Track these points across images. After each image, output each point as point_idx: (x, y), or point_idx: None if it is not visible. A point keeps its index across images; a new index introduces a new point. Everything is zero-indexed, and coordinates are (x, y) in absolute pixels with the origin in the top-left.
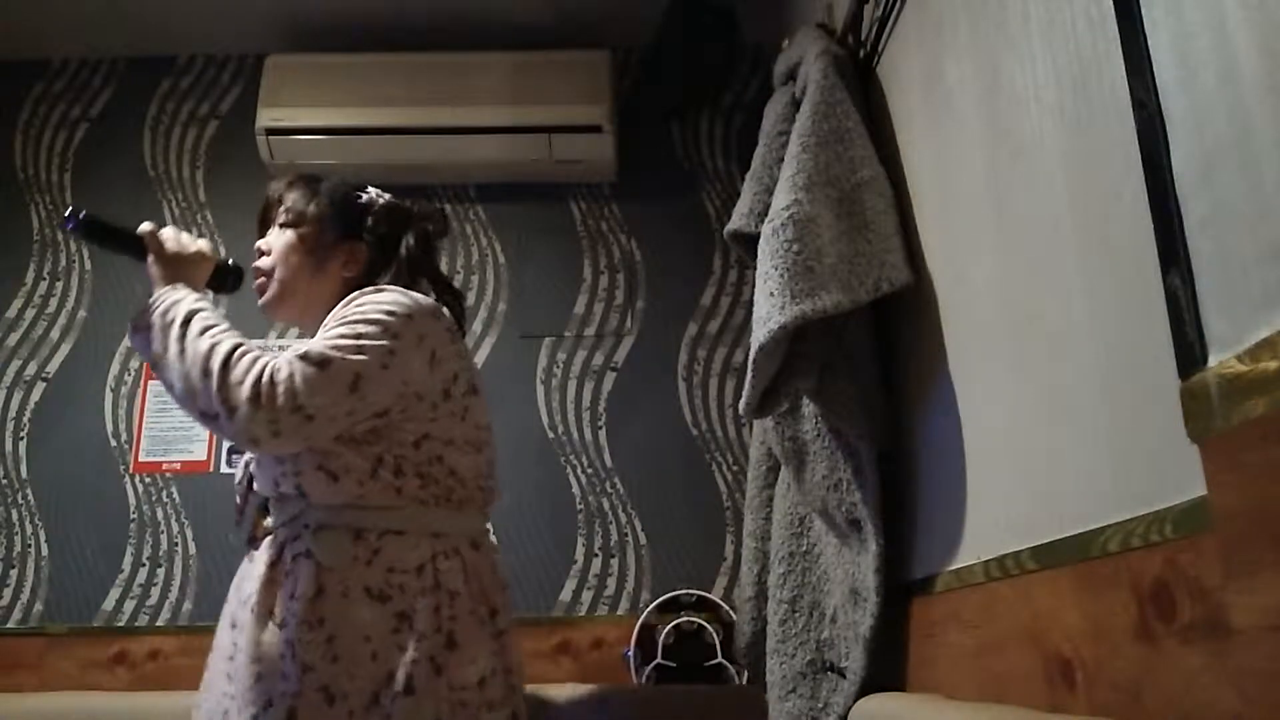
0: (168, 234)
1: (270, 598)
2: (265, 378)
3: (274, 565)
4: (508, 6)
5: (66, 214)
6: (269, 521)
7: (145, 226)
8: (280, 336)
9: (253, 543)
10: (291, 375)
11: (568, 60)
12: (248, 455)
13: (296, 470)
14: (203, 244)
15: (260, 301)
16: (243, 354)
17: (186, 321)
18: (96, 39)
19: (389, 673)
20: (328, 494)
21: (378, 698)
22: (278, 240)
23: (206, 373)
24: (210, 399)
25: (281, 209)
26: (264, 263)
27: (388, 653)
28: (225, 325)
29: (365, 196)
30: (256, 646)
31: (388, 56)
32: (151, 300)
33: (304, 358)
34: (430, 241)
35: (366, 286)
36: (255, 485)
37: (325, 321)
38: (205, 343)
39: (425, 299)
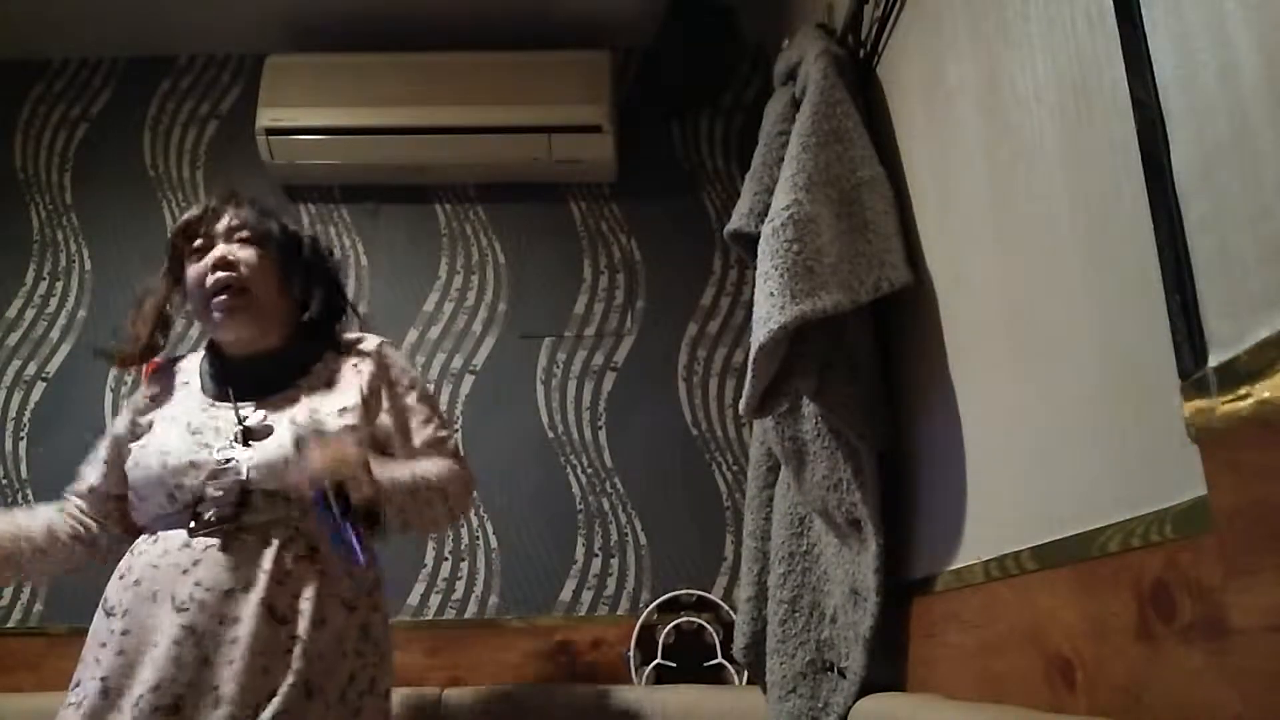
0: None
1: (279, 595)
2: (470, 483)
3: (277, 564)
4: (507, 6)
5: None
6: (255, 517)
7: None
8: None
9: (206, 532)
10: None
11: (568, 60)
12: (250, 450)
13: None
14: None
15: (229, 310)
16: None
17: (411, 487)
18: (96, 39)
19: (350, 674)
20: None
21: (343, 695)
22: (246, 255)
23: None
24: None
25: (237, 222)
26: (241, 272)
27: (352, 657)
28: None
29: (303, 233)
30: (262, 641)
31: (387, 56)
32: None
33: (458, 460)
34: None
35: (308, 316)
36: (255, 478)
37: (395, 378)
38: (429, 491)
39: None
